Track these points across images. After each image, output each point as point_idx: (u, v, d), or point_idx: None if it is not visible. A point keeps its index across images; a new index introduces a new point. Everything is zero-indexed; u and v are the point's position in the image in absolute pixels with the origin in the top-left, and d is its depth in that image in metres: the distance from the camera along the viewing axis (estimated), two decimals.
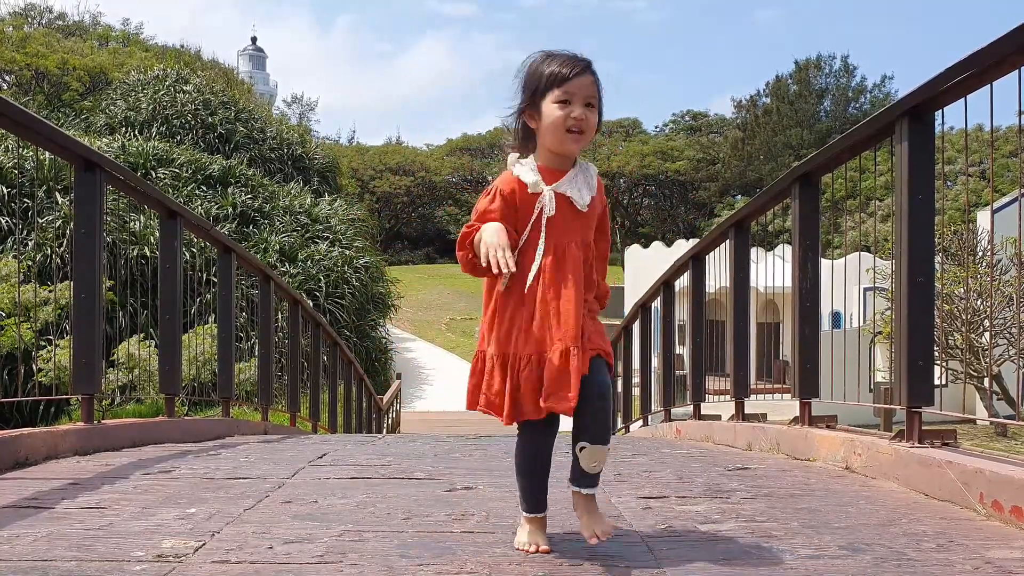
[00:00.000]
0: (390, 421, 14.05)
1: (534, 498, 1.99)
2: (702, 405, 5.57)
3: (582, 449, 1.91)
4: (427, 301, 28.70)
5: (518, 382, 1.91)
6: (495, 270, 1.85)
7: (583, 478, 1.94)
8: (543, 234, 1.93)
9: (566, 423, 1.98)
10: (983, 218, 16.28)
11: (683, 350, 8.39)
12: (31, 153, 9.57)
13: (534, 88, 1.95)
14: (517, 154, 2.01)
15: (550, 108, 1.93)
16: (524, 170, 1.97)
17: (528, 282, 1.92)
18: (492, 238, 1.88)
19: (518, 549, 1.96)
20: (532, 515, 1.99)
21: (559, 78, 1.92)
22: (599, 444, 1.91)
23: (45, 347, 8.64)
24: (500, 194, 1.96)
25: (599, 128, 2.01)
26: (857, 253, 14.39)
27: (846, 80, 46.64)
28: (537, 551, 1.93)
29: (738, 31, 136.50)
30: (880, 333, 11.83)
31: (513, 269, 1.86)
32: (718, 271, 5.35)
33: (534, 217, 1.94)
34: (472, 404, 1.99)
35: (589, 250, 1.99)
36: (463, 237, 1.97)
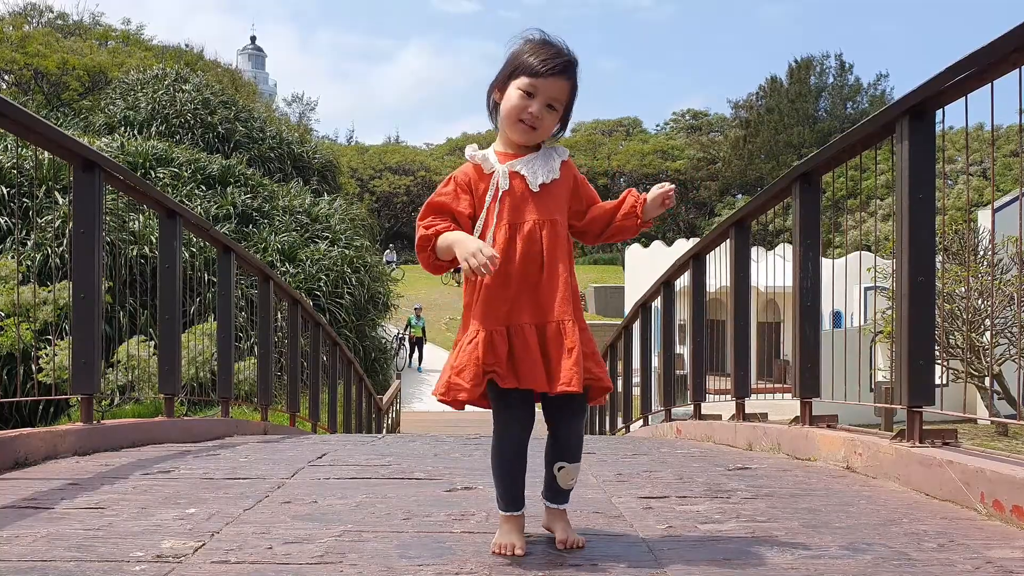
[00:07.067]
0: (390, 421, 14.04)
1: (511, 496, 1.98)
2: (703, 405, 5.56)
3: (560, 469, 1.99)
4: (427, 301, 28.64)
5: (490, 356, 1.90)
6: (484, 274, 1.85)
7: (559, 495, 2.03)
8: (496, 211, 1.95)
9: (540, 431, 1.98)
10: (984, 217, 16.26)
11: (683, 349, 8.38)
12: (30, 152, 9.56)
13: (511, 67, 1.97)
14: (475, 144, 2.05)
15: (513, 92, 1.95)
16: (479, 152, 2.00)
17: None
18: (470, 249, 1.85)
19: (494, 552, 1.93)
20: (509, 513, 1.98)
21: (533, 70, 1.93)
22: (575, 463, 2.00)
23: (45, 347, 8.64)
24: (454, 179, 2.00)
25: (562, 131, 2.03)
26: (858, 252, 14.38)
27: (843, 79, 46.65)
28: (513, 553, 1.91)
29: (741, 29, 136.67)
30: (881, 332, 11.82)
31: (492, 270, 1.84)
32: (718, 270, 5.35)
33: (490, 196, 1.95)
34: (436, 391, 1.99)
35: (557, 228, 1.96)
36: (423, 241, 1.97)
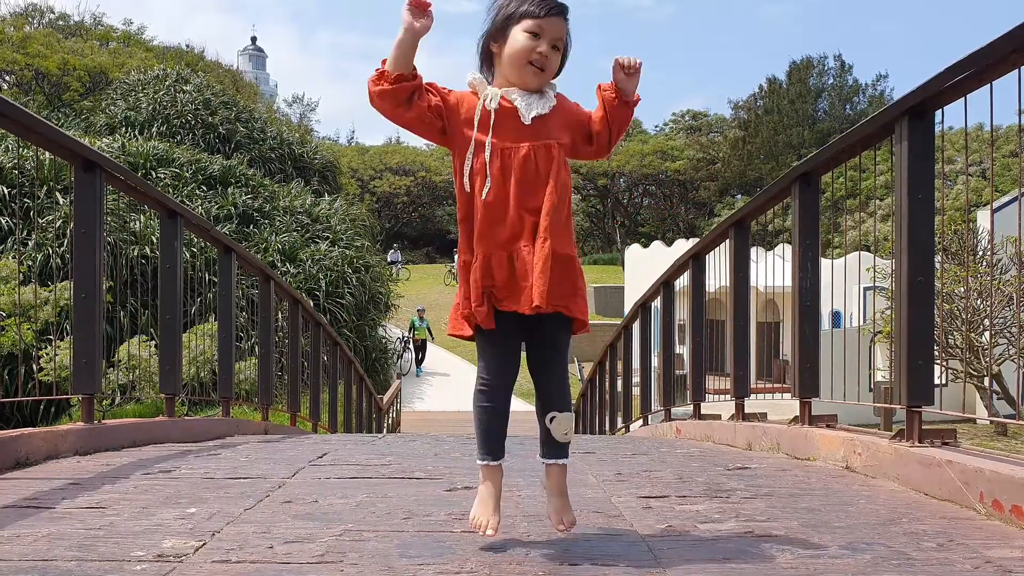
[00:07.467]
0: (390, 421, 14.04)
1: (490, 443, 2.00)
2: (702, 404, 5.57)
3: (552, 419, 1.99)
4: (428, 301, 28.63)
5: (488, 278, 1.94)
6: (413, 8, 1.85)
7: (557, 448, 2.02)
8: (489, 135, 1.95)
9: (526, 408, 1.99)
10: (983, 217, 16.26)
11: (683, 349, 8.38)
12: (31, 153, 9.57)
13: (507, 15, 1.98)
14: (477, 73, 2.03)
15: (519, 35, 1.96)
16: (478, 76, 2.00)
17: (480, 187, 1.94)
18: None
19: (471, 530, 1.99)
20: (488, 463, 2.00)
21: (534, 12, 1.95)
22: (566, 411, 2.00)
23: (46, 347, 8.64)
24: (453, 91, 1.99)
25: (559, 72, 2.04)
26: (857, 252, 14.38)
27: (842, 79, 46.65)
28: (484, 533, 1.96)
29: (741, 29, 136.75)
30: (880, 332, 11.83)
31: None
32: (718, 270, 5.35)
33: (479, 118, 1.95)
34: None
35: (552, 151, 1.97)
36: (376, 77, 1.93)
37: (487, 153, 1.94)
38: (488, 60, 2.04)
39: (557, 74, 2.03)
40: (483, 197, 1.94)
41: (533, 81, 1.98)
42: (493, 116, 1.95)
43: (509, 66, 1.98)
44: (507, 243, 1.93)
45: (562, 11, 1.97)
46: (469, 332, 2.00)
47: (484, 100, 1.96)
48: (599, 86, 2.06)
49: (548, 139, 1.97)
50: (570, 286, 1.96)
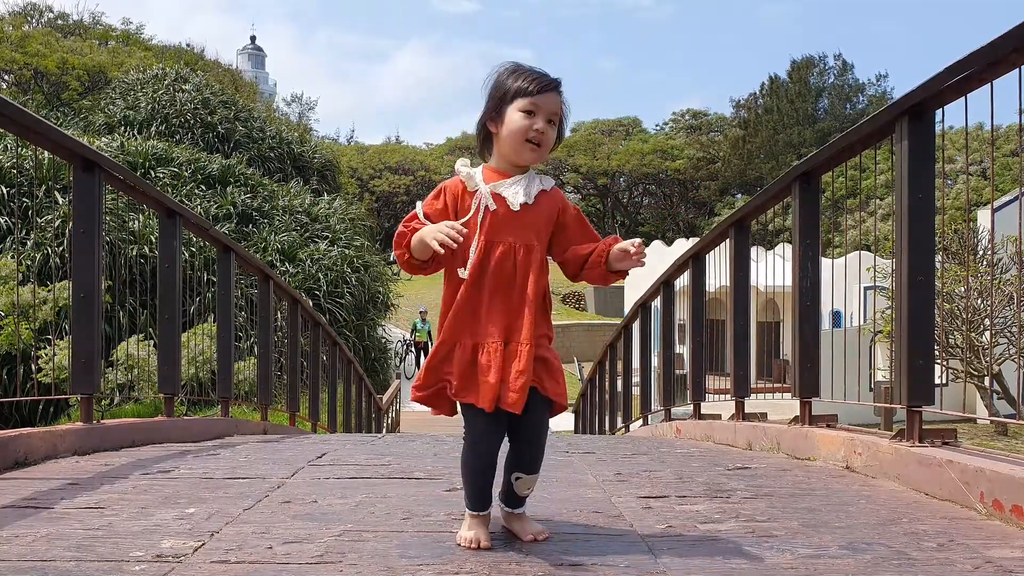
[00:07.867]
0: (389, 421, 14.04)
1: (478, 498, 2.02)
2: (702, 404, 5.56)
3: (517, 479, 2.03)
4: (428, 301, 28.73)
5: (447, 365, 1.97)
6: (446, 246, 1.88)
7: (515, 500, 2.07)
8: (477, 230, 1.98)
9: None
10: (983, 217, 16.27)
11: (683, 349, 8.37)
12: (30, 152, 9.56)
13: (501, 95, 2.00)
14: (466, 160, 2.07)
15: (514, 115, 1.99)
16: (463, 171, 2.03)
17: (463, 276, 1.98)
18: (434, 229, 1.92)
19: (459, 544, 1.99)
20: (476, 513, 2.03)
21: (528, 90, 1.98)
22: (532, 474, 2.04)
23: (45, 347, 8.64)
24: (445, 191, 2.03)
25: (557, 145, 2.07)
26: (857, 252, 14.38)
27: (843, 79, 46.69)
28: (479, 547, 1.97)
29: (741, 29, 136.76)
30: (880, 332, 11.83)
31: (459, 239, 1.89)
32: (718, 270, 5.35)
33: (470, 214, 1.98)
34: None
35: (533, 252, 2.00)
36: (399, 237, 2.01)
37: (472, 244, 1.97)
38: (487, 140, 2.07)
39: (557, 144, 2.06)
40: (463, 287, 1.97)
41: (531, 158, 2.01)
42: (485, 211, 1.98)
43: (507, 145, 2.01)
44: (475, 332, 1.96)
45: (557, 85, 2.00)
46: (438, 411, 2.05)
47: (478, 199, 1.99)
48: (607, 241, 2.05)
49: (530, 239, 2.00)
50: (553, 376, 1.99)
